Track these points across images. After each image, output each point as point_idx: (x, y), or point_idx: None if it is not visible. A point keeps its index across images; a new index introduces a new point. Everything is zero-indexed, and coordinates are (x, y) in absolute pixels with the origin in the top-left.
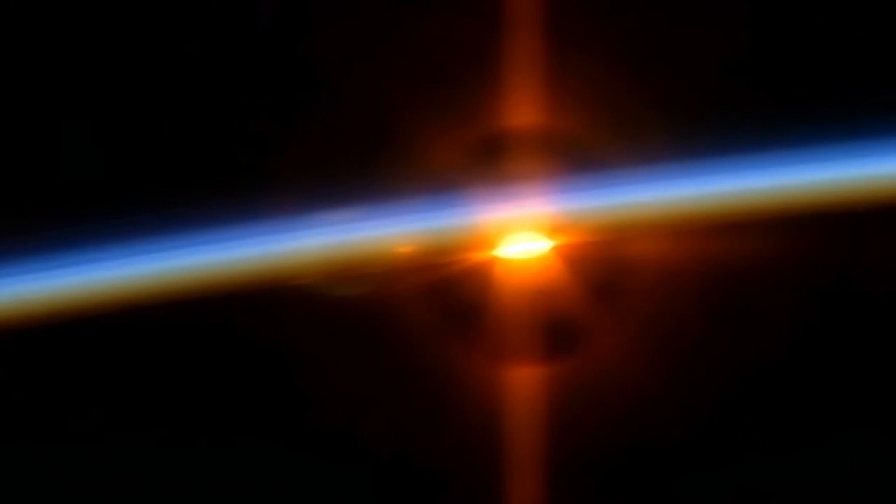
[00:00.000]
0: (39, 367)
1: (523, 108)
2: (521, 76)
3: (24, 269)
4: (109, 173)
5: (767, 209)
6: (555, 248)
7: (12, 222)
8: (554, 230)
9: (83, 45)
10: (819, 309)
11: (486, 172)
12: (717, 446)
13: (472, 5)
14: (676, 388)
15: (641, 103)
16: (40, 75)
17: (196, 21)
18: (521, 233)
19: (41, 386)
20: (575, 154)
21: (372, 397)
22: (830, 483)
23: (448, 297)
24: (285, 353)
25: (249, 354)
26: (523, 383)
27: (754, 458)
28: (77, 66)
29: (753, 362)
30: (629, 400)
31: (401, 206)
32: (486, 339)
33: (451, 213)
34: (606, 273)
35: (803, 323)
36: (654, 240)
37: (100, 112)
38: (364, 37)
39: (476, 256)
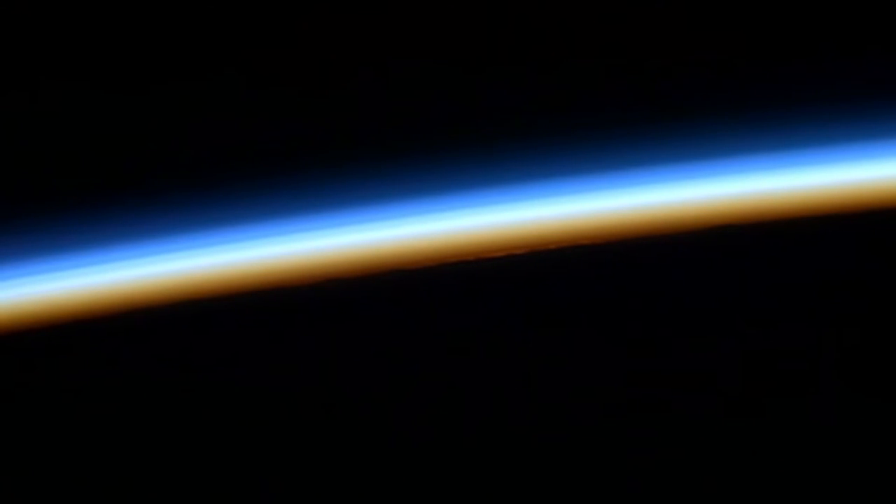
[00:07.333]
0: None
1: (522, 110)
2: (520, 77)
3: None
4: (115, 173)
5: (765, 210)
6: (552, 251)
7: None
8: (552, 232)
9: (83, 45)
10: (824, 308)
11: (489, 174)
12: (715, 446)
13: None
14: (680, 387)
15: (639, 104)
16: (39, 75)
17: (185, 24)
18: (522, 234)
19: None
20: (573, 155)
21: (373, 398)
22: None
23: (452, 297)
24: (288, 354)
25: (255, 356)
26: (523, 380)
27: (754, 460)
28: (78, 66)
29: (759, 360)
30: (628, 398)
31: (405, 206)
32: (489, 336)
33: (453, 214)
34: (606, 274)
35: (807, 323)
36: (655, 241)
37: (105, 112)
38: (364, 35)
39: (475, 257)
